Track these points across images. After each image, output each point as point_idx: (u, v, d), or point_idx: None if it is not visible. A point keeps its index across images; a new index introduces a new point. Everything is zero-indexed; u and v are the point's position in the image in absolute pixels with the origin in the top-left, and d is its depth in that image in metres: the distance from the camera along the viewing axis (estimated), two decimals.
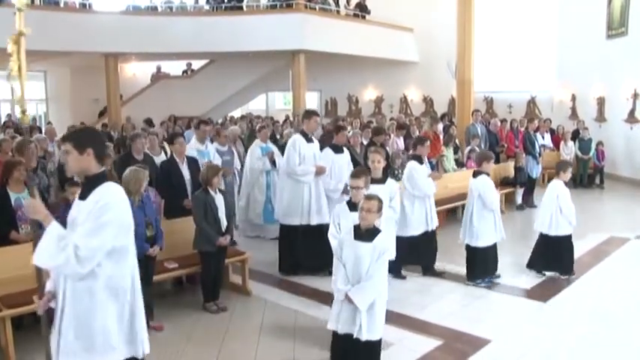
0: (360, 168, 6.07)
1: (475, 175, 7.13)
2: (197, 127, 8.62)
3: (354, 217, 4.74)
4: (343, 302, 4.44)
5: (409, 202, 7.25)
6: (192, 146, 8.04)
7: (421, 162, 7.51)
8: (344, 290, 4.40)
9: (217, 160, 7.94)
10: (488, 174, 7.12)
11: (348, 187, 5.21)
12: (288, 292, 6.77)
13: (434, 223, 7.40)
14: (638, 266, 7.87)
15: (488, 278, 7.06)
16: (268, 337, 5.54)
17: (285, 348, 5.27)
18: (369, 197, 4.54)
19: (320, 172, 7.31)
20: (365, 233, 4.44)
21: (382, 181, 5.94)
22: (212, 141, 8.85)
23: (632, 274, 7.50)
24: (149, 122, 15.14)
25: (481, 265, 7.03)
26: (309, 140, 7.38)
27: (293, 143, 7.34)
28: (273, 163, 9.10)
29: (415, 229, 7.24)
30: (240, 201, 9.29)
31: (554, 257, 7.20)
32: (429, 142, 8.14)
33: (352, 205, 5.04)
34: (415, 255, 7.27)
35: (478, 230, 6.95)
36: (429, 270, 7.40)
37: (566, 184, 7.27)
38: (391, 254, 5.45)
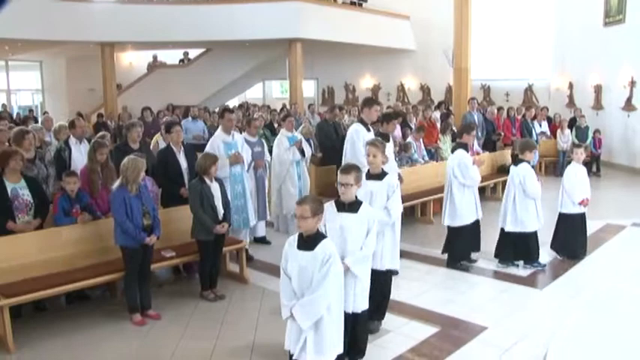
0: (350, 163, 5.30)
1: (516, 163, 7.16)
2: (221, 116, 7.83)
3: (341, 219, 4.51)
4: (292, 320, 4.05)
5: (459, 191, 7.14)
6: (218, 137, 7.44)
7: (468, 150, 7.40)
8: (289, 306, 4.00)
9: (246, 152, 7.55)
10: (529, 162, 7.13)
11: (337, 184, 4.67)
12: None
13: (480, 212, 7.34)
14: (634, 253, 7.91)
15: (536, 263, 7.14)
16: (266, 325, 5.56)
17: (283, 336, 5.28)
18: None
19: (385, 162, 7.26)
20: (307, 240, 4.03)
21: (379, 177, 5.30)
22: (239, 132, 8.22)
23: (628, 261, 7.53)
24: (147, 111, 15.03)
25: (520, 249, 7.13)
26: (368, 130, 7.16)
27: (356, 133, 7.06)
28: (302, 152, 8.70)
29: (467, 219, 7.15)
30: (272, 196, 8.79)
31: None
32: (474, 131, 8.07)
33: (341, 205, 4.56)
34: (468, 244, 7.25)
35: (521, 217, 7.02)
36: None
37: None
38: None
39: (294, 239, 4.12)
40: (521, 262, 7.20)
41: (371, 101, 7.43)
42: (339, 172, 4.55)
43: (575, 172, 7.42)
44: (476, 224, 7.27)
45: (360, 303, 4.55)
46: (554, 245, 7.58)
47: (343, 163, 6.95)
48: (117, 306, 6.01)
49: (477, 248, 7.36)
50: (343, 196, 4.49)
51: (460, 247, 7.22)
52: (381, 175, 5.29)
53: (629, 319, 5.30)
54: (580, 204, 7.37)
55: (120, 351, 5.11)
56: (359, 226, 4.48)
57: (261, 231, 8.42)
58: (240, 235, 7.35)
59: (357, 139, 7.02)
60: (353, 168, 4.57)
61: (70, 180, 6.04)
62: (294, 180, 8.67)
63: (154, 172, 7.01)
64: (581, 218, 7.50)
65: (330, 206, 4.51)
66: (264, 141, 8.64)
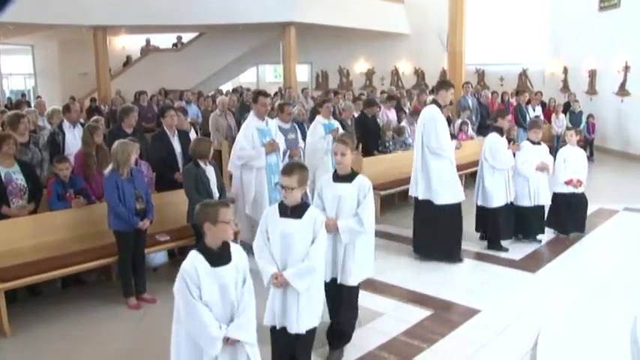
0: (293, 162, 5.25)
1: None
2: (255, 101, 7.13)
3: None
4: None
5: (488, 174, 7.22)
6: (252, 124, 6.87)
7: (502, 134, 7.42)
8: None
9: (280, 139, 7.06)
10: (533, 142, 7.54)
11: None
12: None
13: (512, 195, 7.36)
14: (626, 237, 7.97)
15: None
16: (262, 305, 5.57)
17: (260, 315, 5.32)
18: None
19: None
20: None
21: (349, 178, 4.53)
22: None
23: (620, 245, 7.60)
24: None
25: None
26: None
27: (439, 117, 6.75)
28: None
29: (497, 201, 7.17)
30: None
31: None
32: (510, 116, 8.09)
33: (284, 209, 4.03)
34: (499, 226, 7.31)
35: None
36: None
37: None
38: (360, 272, 4.57)
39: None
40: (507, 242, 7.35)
41: (447, 84, 7.09)
42: (280, 173, 4.06)
43: (564, 155, 7.77)
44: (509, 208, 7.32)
45: (304, 322, 3.98)
46: (548, 221, 7.78)
47: (421, 147, 6.78)
48: (112, 290, 6.02)
49: (508, 235, 7.42)
50: (286, 200, 3.97)
51: (495, 229, 7.30)
52: (350, 177, 4.54)
53: (619, 303, 5.36)
54: (567, 184, 7.61)
55: (115, 334, 5.14)
56: (303, 234, 3.93)
57: None
58: None
59: (440, 124, 6.68)
60: (296, 168, 4.00)
61: (62, 166, 6.01)
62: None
63: (148, 156, 7.00)
64: (573, 197, 7.69)
65: (271, 210, 4.07)
66: (297, 127, 7.98)
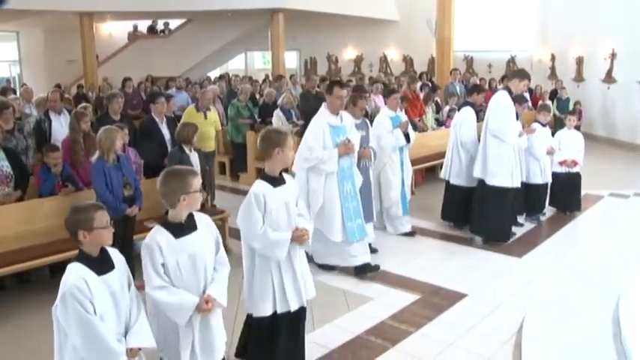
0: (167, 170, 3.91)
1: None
2: (329, 91, 5.87)
3: (185, 245, 3.35)
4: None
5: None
6: (324, 120, 5.77)
7: (475, 109, 7.62)
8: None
9: (355, 137, 5.96)
10: (543, 124, 7.84)
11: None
12: None
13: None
14: (611, 222, 8.09)
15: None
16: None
17: None
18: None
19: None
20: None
21: (283, 180, 3.95)
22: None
23: (606, 230, 7.72)
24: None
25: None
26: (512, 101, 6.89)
27: (505, 103, 6.74)
28: (407, 137, 7.24)
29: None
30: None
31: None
32: (527, 102, 8.21)
33: (176, 229, 3.37)
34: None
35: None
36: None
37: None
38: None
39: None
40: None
41: (522, 74, 7.06)
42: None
43: (560, 137, 8.20)
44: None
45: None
46: (549, 200, 8.18)
47: (485, 129, 6.85)
48: None
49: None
50: (176, 216, 3.38)
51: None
52: (283, 178, 3.95)
53: (602, 287, 5.44)
54: (561, 164, 8.04)
55: None
56: (208, 246, 3.45)
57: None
58: (354, 250, 5.91)
59: (506, 109, 6.71)
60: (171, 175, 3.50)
61: (54, 155, 5.95)
62: (395, 168, 7.22)
63: (136, 142, 6.97)
64: (566, 177, 8.03)
65: (161, 235, 3.36)
66: (368, 122, 6.80)
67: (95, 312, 2.93)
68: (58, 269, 6.17)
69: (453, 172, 7.53)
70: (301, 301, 3.98)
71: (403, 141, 7.19)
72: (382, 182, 7.17)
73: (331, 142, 5.68)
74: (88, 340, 2.90)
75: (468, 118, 7.43)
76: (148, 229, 6.04)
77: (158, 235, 3.30)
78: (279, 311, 3.91)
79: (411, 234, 7.36)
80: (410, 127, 7.39)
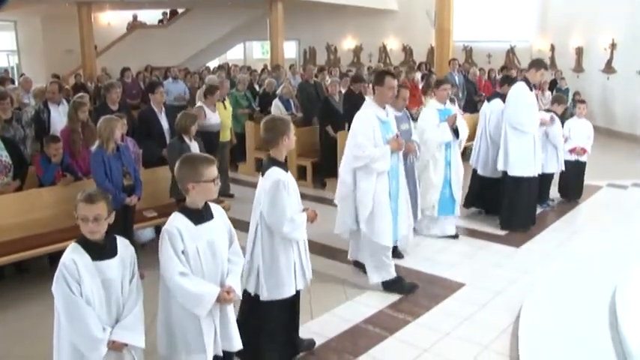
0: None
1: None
2: (379, 82, 5.33)
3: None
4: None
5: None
6: (372, 113, 5.30)
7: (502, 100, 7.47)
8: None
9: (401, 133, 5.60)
10: (557, 113, 7.93)
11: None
12: None
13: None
14: (609, 212, 8.11)
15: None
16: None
17: None
18: (88, 199, 3.03)
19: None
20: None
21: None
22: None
23: (604, 220, 7.75)
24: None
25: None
26: (531, 89, 6.94)
27: (523, 94, 6.81)
28: (456, 132, 6.62)
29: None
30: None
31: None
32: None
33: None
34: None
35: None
36: None
37: None
38: None
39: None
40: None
41: (538, 64, 7.09)
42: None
43: (570, 126, 8.36)
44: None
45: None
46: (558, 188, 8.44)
47: (502, 125, 6.97)
48: None
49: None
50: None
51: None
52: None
53: (600, 276, 5.46)
54: (571, 152, 8.23)
55: None
56: (223, 236, 3.39)
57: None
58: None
59: (522, 97, 6.80)
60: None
61: (56, 146, 5.94)
62: (439, 167, 6.67)
63: (135, 132, 6.97)
64: (572, 165, 8.24)
65: (180, 221, 3.23)
66: (409, 115, 6.38)
67: (82, 295, 2.93)
68: (57, 258, 6.18)
69: (480, 163, 7.65)
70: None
71: (450, 136, 6.55)
72: (423, 183, 6.63)
73: (382, 140, 5.24)
74: (72, 320, 2.92)
75: (497, 110, 7.40)
76: (148, 219, 6.17)
77: (177, 220, 3.21)
78: (298, 288, 4.06)
79: (454, 237, 6.90)
80: (462, 120, 6.80)
